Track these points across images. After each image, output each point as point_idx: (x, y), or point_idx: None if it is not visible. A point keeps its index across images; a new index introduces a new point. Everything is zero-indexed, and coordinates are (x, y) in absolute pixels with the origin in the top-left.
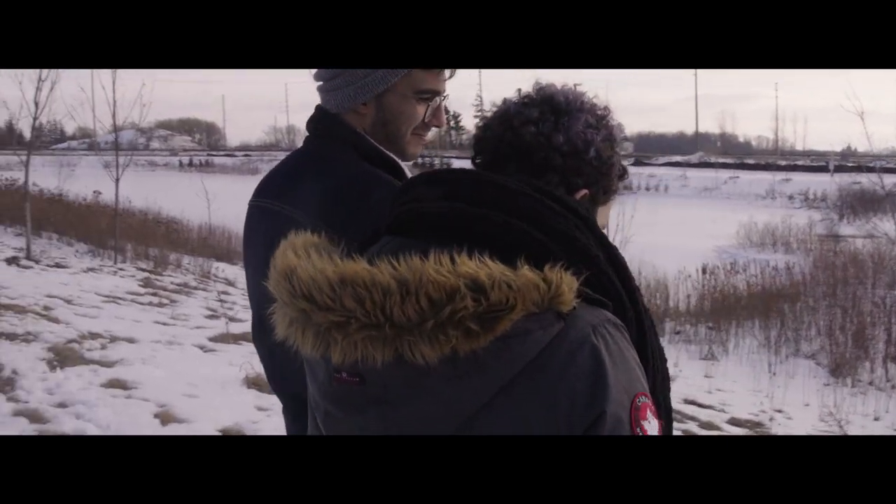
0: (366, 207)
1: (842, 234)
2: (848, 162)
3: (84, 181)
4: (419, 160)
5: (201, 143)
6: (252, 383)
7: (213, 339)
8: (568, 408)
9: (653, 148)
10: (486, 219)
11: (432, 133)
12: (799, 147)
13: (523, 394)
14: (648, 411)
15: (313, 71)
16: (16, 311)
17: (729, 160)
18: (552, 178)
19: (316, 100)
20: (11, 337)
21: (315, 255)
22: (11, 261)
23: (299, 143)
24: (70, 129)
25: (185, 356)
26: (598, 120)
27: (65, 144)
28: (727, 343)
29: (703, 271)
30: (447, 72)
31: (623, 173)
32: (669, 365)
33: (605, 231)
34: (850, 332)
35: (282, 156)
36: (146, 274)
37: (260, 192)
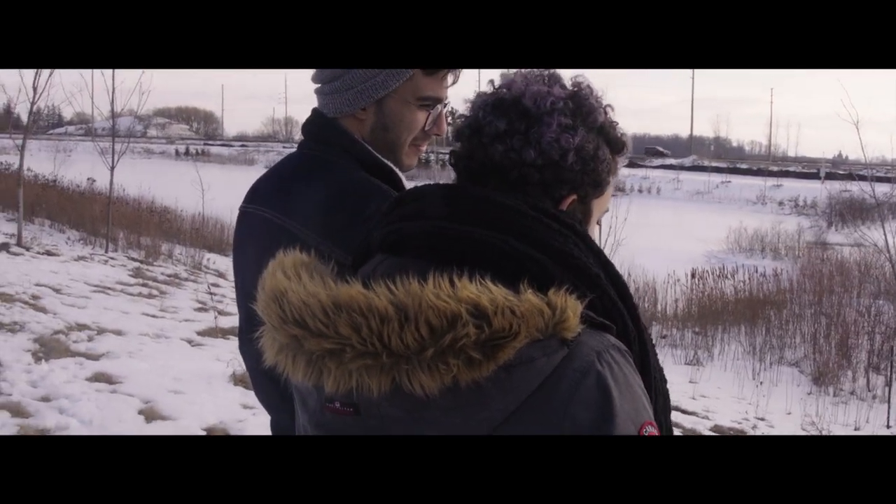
0: (362, 218)
1: (830, 241)
2: (839, 170)
3: (79, 167)
4: (421, 157)
5: (198, 132)
6: (239, 380)
7: (202, 333)
8: None
9: (647, 149)
10: (484, 239)
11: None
12: (791, 153)
13: (527, 425)
14: None
15: (312, 71)
16: (3, 300)
17: (722, 164)
18: (533, 193)
19: (311, 91)
20: None
21: (306, 277)
22: (1, 247)
23: (297, 135)
24: (68, 114)
25: (172, 350)
26: (574, 115)
27: (62, 129)
28: (713, 348)
29: (692, 275)
30: (450, 78)
31: (621, 148)
32: None
33: (605, 214)
34: (834, 341)
35: (279, 147)
36: (137, 264)
37: (252, 198)
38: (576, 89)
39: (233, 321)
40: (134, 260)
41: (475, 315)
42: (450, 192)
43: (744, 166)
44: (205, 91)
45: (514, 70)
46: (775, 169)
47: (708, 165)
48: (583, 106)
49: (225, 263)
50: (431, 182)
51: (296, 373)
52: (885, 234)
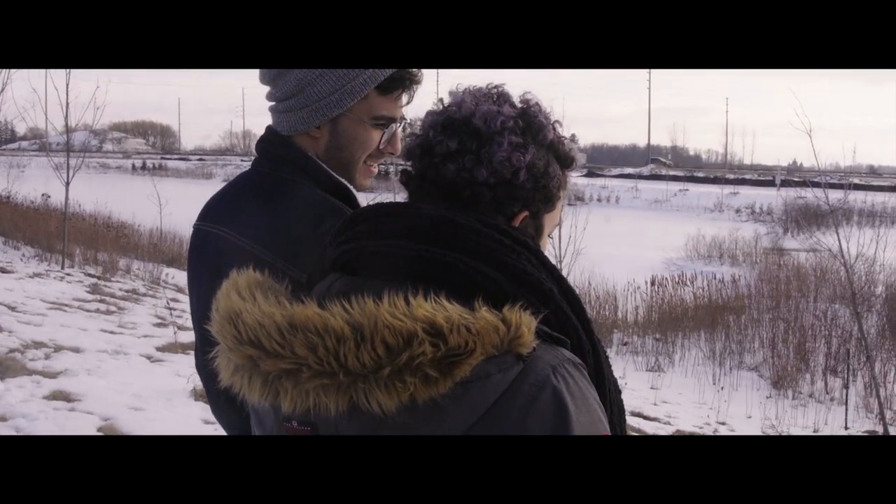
0: (316, 236)
1: (786, 247)
2: (794, 177)
3: (33, 182)
4: (381, 169)
5: (155, 146)
6: (199, 396)
7: (161, 349)
8: None
9: (605, 159)
10: (438, 258)
11: None
12: (747, 161)
13: None
14: None
15: (267, 95)
16: None
17: (679, 173)
18: (486, 210)
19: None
20: None
21: (261, 297)
22: None
23: (254, 148)
24: (21, 129)
25: (131, 366)
26: (524, 133)
27: (15, 145)
28: (673, 355)
29: (652, 283)
30: (404, 98)
31: (570, 163)
32: (616, 377)
33: (558, 229)
34: (792, 346)
35: (237, 161)
36: (94, 280)
37: (206, 215)
38: (525, 106)
39: (192, 336)
40: (91, 276)
41: (431, 333)
42: (402, 211)
43: (701, 175)
44: (162, 105)
45: (463, 88)
46: (732, 177)
47: (666, 174)
48: (532, 123)
49: (183, 278)
50: (391, 195)
51: (252, 393)
52: (839, 240)
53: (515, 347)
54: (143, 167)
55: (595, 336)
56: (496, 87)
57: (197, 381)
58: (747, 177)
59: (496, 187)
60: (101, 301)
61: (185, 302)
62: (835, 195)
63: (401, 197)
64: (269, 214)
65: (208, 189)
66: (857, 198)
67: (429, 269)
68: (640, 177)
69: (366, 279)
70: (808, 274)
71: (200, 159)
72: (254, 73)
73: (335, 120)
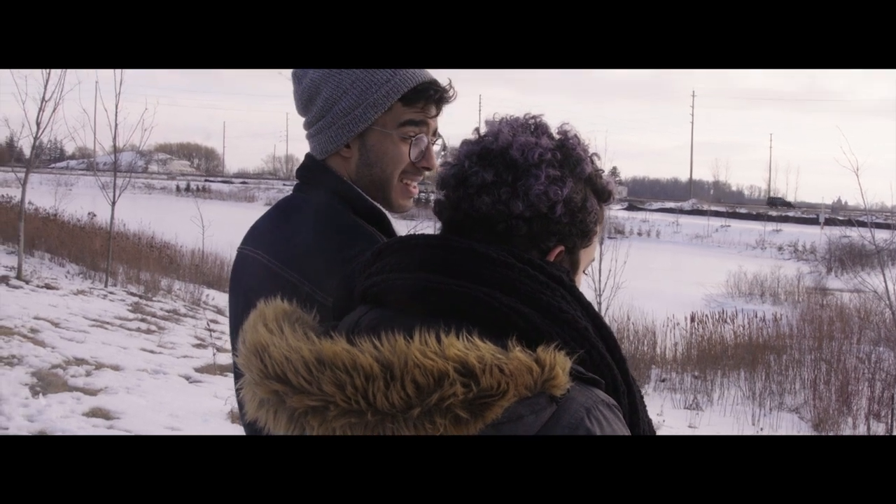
0: (338, 260)
1: (829, 287)
2: (838, 215)
3: (80, 201)
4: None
5: (199, 168)
6: (236, 418)
7: (199, 370)
8: None
9: (646, 192)
10: (471, 294)
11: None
12: (790, 198)
13: None
14: None
15: (303, 125)
16: (1, 333)
17: (721, 208)
18: (520, 244)
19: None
20: None
21: (289, 331)
22: (1, 280)
23: (294, 174)
24: (70, 148)
25: (169, 386)
26: (562, 166)
27: (63, 163)
28: (712, 393)
29: (692, 319)
30: (432, 111)
31: (607, 197)
32: (653, 414)
33: (592, 264)
34: (834, 388)
35: (279, 185)
36: (136, 299)
37: (246, 239)
38: (563, 138)
39: (231, 358)
40: (133, 295)
41: (462, 373)
42: (434, 243)
43: (743, 211)
44: (207, 128)
45: (500, 117)
46: (774, 214)
47: (707, 209)
48: (571, 157)
49: (223, 300)
50: (431, 224)
51: (277, 429)
52: (885, 281)
53: (549, 389)
54: (188, 189)
55: (630, 376)
56: (534, 117)
57: (234, 404)
58: (790, 214)
59: (532, 221)
60: (143, 320)
61: (224, 324)
62: (881, 235)
63: (439, 227)
64: (299, 237)
65: (250, 212)
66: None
67: (461, 304)
68: (682, 211)
69: (395, 314)
70: (851, 315)
71: (243, 182)
72: None
73: (363, 137)
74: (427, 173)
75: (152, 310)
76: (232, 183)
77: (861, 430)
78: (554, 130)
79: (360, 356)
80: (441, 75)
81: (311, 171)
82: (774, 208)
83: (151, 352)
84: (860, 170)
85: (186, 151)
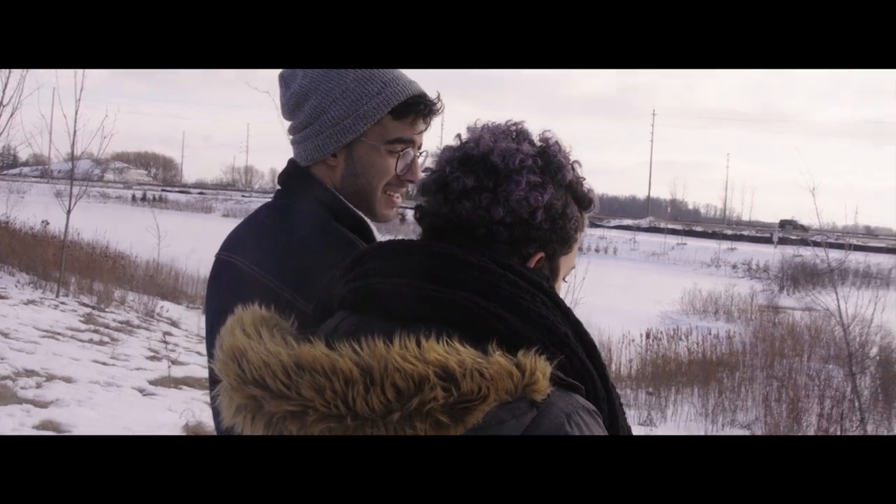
0: (320, 267)
1: (782, 305)
2: (791, 234)
3: (32, 209)
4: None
5: (157, 177)
6: (191, 431)
7: (154, 383)
8: None
9: (604, 209)
10: (451, 298)
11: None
12: (745, 217)
13: None
14: None
15: (276, 122)
16: None
17: (677, 226)
18: (501, 250)
19: (277, 142)
20: None
21: (267, 335)
22: None
23: (257, 184)
24: (24, 155)
25: (122, 399)
26: (543, 173)
27: (16, 170)
28: (666, 409)
29: (647, 336)
30: (420, 124)
31: (588, 204)
32: None
33: (572, 273)
34: (785, 404)
35: (237, 196)
36: (88, 309)
37: (225, 246)
38: (544, 145)
39: (187, 371)
40: (85, 305)
41: (443, 377)
42: (414, 249)
43: (699, 229)
44: (168, 137)
45: (481, 124)
46: (729, 232)
47: (664, 227)
48: (551, 163)
49: (178, 312)
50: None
51: (254, 434)
52: (837, 299)
53: (530, 394)
54: (144, 198)
55: (610, 383)
56: (515, 124)
57: (189, 417)
58: (745, 233)
59: (512, 227)
60: (95, 331)
61: (179, 336)
62: (833, 255)
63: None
64: (281, 244)
65: (207, 222)
66: (854, 258)
67: (441, 310)
68: (639, 229)
69: (375, 319)
70: (802, 333)
71: (201, 193)
72: (260, 110)
73: (350, 147)
74: (410, 185)
75: (105, 321)
76: (189, 193)
77: None
78: (535, 137)
79: (339, 360)
80: (410, 77)
81: (294, 178)
82: (783, 230)
83: (104, 364)
84: (816, 190)
85: (144, 160)
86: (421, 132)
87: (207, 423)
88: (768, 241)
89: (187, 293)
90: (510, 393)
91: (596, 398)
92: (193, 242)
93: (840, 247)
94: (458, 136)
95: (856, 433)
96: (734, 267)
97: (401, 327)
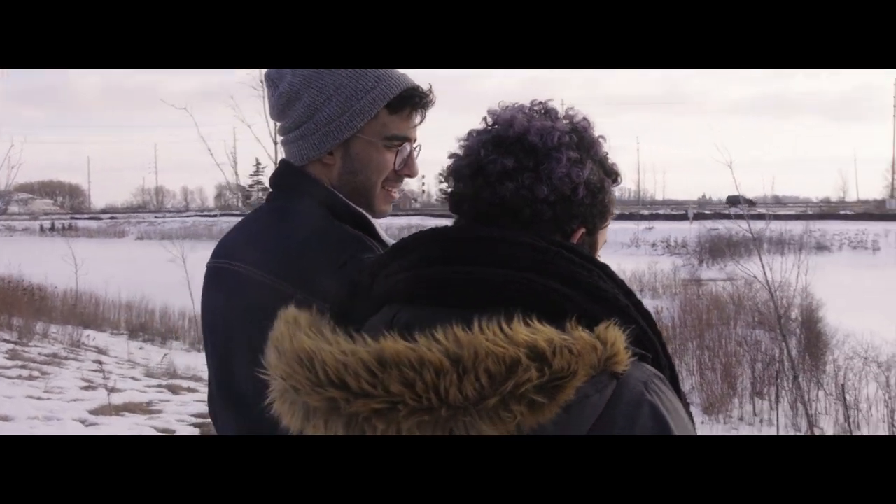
0: (330, 265)
1: (703, 278)
2: (705, 210)
3: None
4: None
5: (64, 206)
6: None
7: (94, 412)
8: None
9: None
10: (518, 280)
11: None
12: (659, 197)
13: None
14: None
15: (278, 130)
16: None
17: None
18: (545, 229)
19: (182, 160)
20: None
21: (332, 335)
22: None
23: (169, 203)
24: None
25: (65, 432)
26: (579, 148)
27: None
28: None
29: None
30: (416, 118)
31: (616, 177)
32: None
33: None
34: (719, 371)
35: (150, 217)
36: (11, 345)
37: (219, 253)
38: (572, 122)
39: (126, 397)
40: (7, 341)
41: (534, 358)
42: (462, 235)
43: (616, 211)
44: (71, 164)
45: (506, 105)
46: (646, 212)
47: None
48: (585, 138)
49: (104, 339)
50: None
51: (328, 435)
52: (762, 266)
53: (611, 366)
54: (52, 228)
55: (668, 351)
56: (541, 102)
57: None
58: (660, 212)
59: (556, 204)
60: (23, 367)
61: (110, 364)
62: (754, 226)
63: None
64: (284, 246)
65: (122, 246)
66: (768, 226)
67: (506, 293)
68: None
69: (443, 308)
70: (726, 303)
71: (112, 217)
72: (167, 126)
73: (347, 144)
74: (407, 179)
75: (31, 355)
76: (100, 219)
77: (747, 409)
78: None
79: (426, 352)
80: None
81: (288, 179)
82: (734, 206)
83: (39, 398)
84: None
85: (49, 189)
86: (416, 126)
87: None
88: (684, 217)
89: (110, 319)
90: (594, 367)
91: (660, 366)
92: (112, 268)
93: (761, 217)
94: (484, 118)
95: (789, 390)
96: (653, 245)
97: (478, 313)
